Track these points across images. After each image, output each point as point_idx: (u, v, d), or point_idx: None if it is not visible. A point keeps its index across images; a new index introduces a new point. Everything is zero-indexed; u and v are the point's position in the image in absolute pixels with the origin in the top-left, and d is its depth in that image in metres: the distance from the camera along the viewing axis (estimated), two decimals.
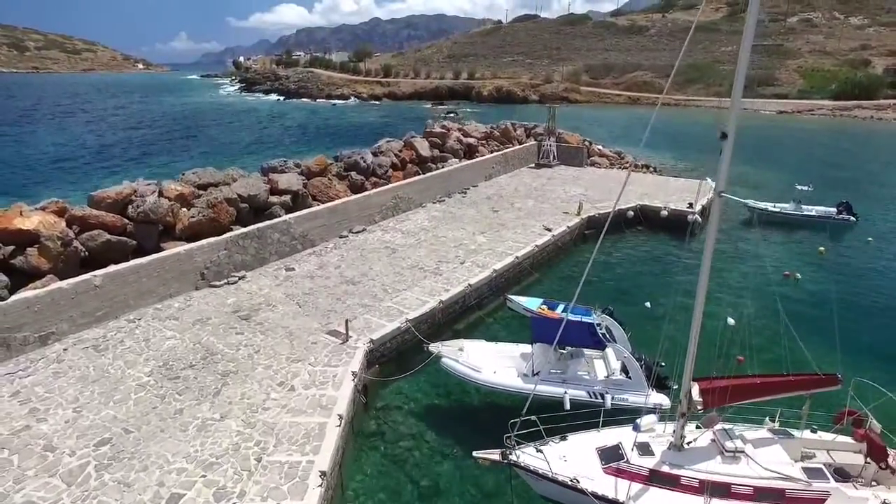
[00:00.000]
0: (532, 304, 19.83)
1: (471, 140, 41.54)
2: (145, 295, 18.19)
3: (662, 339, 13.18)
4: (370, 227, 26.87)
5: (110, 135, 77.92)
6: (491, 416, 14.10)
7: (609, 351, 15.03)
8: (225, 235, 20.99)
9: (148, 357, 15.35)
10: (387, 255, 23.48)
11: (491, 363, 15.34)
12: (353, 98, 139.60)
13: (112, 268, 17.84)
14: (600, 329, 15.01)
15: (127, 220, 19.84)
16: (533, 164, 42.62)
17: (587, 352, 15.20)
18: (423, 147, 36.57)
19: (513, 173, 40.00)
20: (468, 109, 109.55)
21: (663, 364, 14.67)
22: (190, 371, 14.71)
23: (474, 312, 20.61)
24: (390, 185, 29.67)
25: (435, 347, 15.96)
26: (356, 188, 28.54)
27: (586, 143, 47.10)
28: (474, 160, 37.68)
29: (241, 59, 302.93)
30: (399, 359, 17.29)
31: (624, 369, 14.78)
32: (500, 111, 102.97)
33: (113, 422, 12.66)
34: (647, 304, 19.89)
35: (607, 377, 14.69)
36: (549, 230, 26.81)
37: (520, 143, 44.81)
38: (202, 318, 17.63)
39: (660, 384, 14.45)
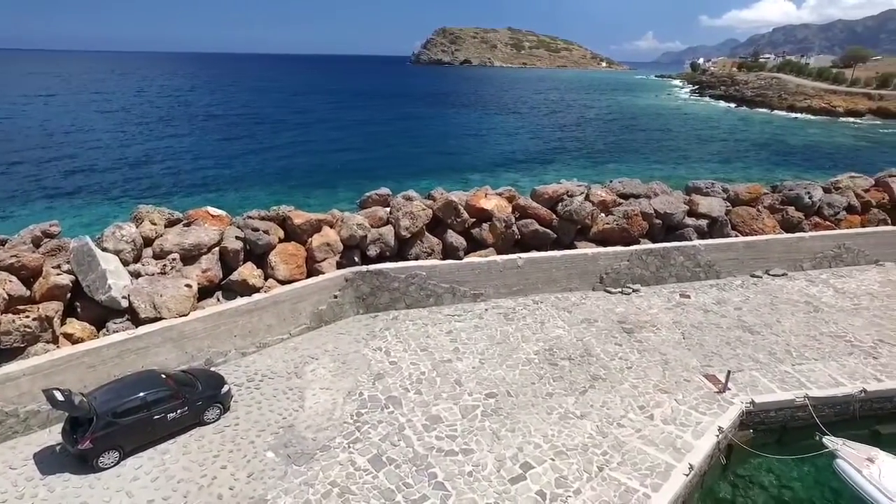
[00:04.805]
0: None
1: None
2: (551, 283, 21.05)
3: None
4: (793, 274, 23.29)
5: (562, 128, 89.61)
6: None
7: None
8: (631, 247, 21.99)
9: (539, 338, 17.94)
10: (805, 311, 20.07)
11: None
12: (823, 113, 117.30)
13: (533, 254, 21.30)
14: None
15: (555, 216, 23.02)
16: None
17: None
18: None
19: None
20: None
21: None
22: (567, 363, 16.51)
23: None
24: (838, 231, 24.77)
25: (832, 443, 13.23)
26: (789, 226, 24.89)
27: None
28: None
29: (701, 60, 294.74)
30: (782, 434, 15.03)
31: None
32: None
33: (501, 382, 15.55)
34: None
35: None
36: None
37: None
38: (590, 319, 19.27)
39: None
